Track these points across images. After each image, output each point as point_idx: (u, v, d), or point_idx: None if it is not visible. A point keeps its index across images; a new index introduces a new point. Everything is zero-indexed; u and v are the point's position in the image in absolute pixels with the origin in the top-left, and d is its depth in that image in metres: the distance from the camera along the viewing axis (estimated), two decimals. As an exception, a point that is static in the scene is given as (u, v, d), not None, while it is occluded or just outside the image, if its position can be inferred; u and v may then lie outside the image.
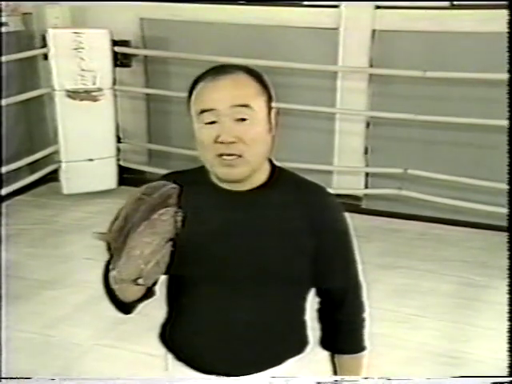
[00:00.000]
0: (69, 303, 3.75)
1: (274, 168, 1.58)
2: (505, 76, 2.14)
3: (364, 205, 5.50)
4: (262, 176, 1.54)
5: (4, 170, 5.02)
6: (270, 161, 1.59)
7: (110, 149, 5.56)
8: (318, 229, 1.52)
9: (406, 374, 3.13)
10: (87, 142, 5.34)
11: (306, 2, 5.27)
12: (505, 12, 2.11)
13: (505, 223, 2.24)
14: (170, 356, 1.66)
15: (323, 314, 1.67)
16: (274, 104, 1.54)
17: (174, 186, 1.34)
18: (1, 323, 3.01)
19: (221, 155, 1.46)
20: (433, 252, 4.60)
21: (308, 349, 1.66)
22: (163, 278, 1.55)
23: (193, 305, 1.57)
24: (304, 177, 1.63)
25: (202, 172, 1.56)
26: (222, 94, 1.46)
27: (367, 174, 5.47)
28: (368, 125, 5.33)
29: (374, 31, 5.06)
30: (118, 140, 5.64)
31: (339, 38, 5.13)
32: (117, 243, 1.30)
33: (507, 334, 1.99)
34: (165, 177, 1.61)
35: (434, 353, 3.38)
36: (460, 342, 3.50)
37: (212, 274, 1.52)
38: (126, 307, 1.52)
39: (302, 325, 1.65)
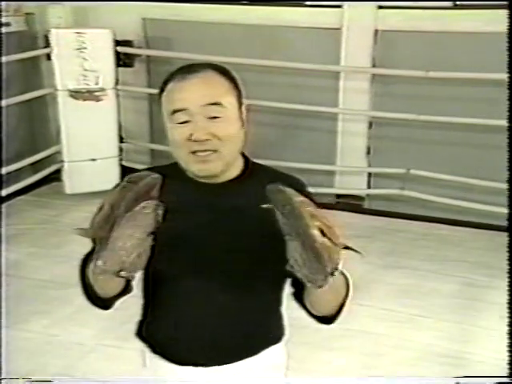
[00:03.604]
0: (71, 303, 3.74)
1: (247, 162, 1.61)
2: (507, 76, 2.14)
3: (366, 205, 5.49)
4: (236, 170, 1.58)
5: (6, 169, 5.02)
6: (244, 155, 1.61)
7: (113, 149, 5.56)
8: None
9: (408, 374, 3.13)
10: (90, 141, 5.34)
11: (308, 2, 5.27)
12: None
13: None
14: (147, 352, 1.66)
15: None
16: (244, 99, 1.56)
17: (156, 176, 1.35)
18: (1, 323, 3.02)
19: (195, 152, 1.49)
20: (435, 252, 4.60)
21: (284, 339, 1.69)
22: (139, 274, 1.57)
23: (170, 298, 1.59)
24: (278, 170, 1.65)
25: (176, 167, 1.58)
26: (192, 94, 1.48)
27: (370, 174, 5.47)
28: (370, 125, 5.33)
29: (376, 31, 5.06)
30: (121, 140, 5.65)
31: (342, 38, 5.12)
32: (103, 232, 1.31)
33: (507, 334, 1.99)
34: (139, 172, 1.64)
35: (437, 353, 3.38)
36: (462, 342, 3.50)
37: (189, 266, 1.54)
38: (104, 303, 1.55)
39: (279, 315, 1.67)
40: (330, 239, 1.28)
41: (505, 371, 2.08)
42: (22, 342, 3.33)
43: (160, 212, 1.32)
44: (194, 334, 1.58)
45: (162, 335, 1.63)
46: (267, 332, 1.65)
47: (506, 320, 2.16)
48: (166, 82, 1.54)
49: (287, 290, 1.62)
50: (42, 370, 3.09)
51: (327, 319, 1.55)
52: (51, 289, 3.92)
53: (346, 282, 1.51)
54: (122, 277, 1.34)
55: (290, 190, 1.31)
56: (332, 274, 1.29)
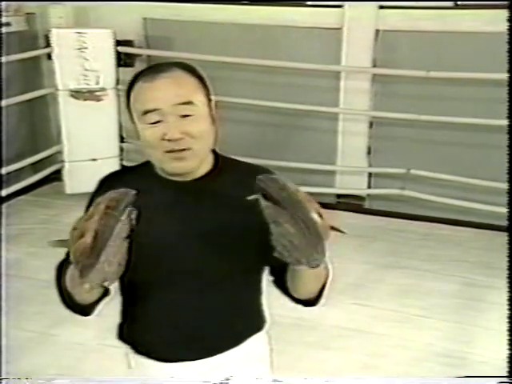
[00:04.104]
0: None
1: (217, 157, 1.62)
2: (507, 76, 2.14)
3: (367, 205, 5.49)
4: (207, 166, 1.58)
5: (7, 169, 5.02)
6: (214, 151, 1.62)
7: (113, 149, 5.57)
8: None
9: (408, 374, 3.13)
10: (90, 141, 5.34)
11: (309, 2, 5.27)
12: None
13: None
14: (131, 353, 1.67)
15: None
16: (212, 96, 1.57)
17: (134, 193, 1.34)
18: (1, 323, 3.02)
19: (169, 151, 1.49)
20: (436, 252, 4.60)
21: (266, 327, 1.71)
22: None
23: (148, 297, 1.60)
24: (250, 163, 1.67)
25: (146, 167, 1.59)
26: (163, 94, 1.48)
27: (370, 174, 5.46)
28: (371, 125, 5.33)
29: (377, 31, 5.06)
30: (122, 140, 5.65)
31: (342, 38, 5.12)
32: (89, 260, 1.29)
33: (507, 334, 1.99)
34: (111, 176, 1.66)
35: (438, 353, 3.38)
36: (463, 342, 3.50)
37: (165, 264, 1.55)
38: (83, 309, 1.55)
39: (259, 304, 1.69)
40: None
41: (505, 371, 2.08)
42: (22, 342, 3.33)
43: (133, 216, 1.32)
44: (175, 330, 1.59)
45: (143, 335, 1.64)
46: (248, 322, 1.67)
47: (506, 320, 2.15)
48: (132, 83, 1.54)
49: (266, 278, 1.65)
50: (42, 370, 3.10)
51: (310, 302, 1.58)
52: (51, 289, 3.89)
53: (326, 264, 1.51)
54: (105, 286, 1.36)
55: (281, 178, 1.32)
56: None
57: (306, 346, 3.29)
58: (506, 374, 2.04)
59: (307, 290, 1.54)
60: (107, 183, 1.61)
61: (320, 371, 3.12)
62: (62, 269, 1.55)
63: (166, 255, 1.54)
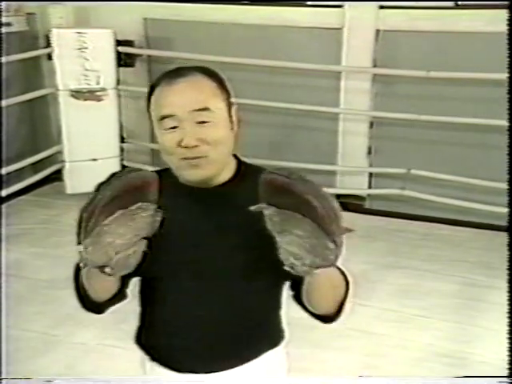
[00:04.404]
0: (72, 303, 3.73)
1: (240, 164, 1.59)
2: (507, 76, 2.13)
3: (367, 205, 5.49)
4: (228, 173, 1.55)
5: (7, 169, 5.03)
6: (236, 157, 1.60)
7: (114, 149, 5.57)
8: None
9: (408, 374, 3.13)
10: (91, 141, 5.34)
11: (309, 2, 5.27)
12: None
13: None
14: (146, 359, 1.66)
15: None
16: (233, 100, 1.54)
17: (153, 173, 1.31)
18: (1, 323, 3.02)
19: (185, 158, 1.47)
20: (436, 252, 4.60)
21: (284, 342, 1.68)
22: (136, 280, 1.57)
23: (166, 304, 1.58)
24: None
25: (169, 172, 1.55)
26: (180, 99, 1.46)
27: (371, 174, 5.46)
28: (371, 125, 5.33)
29: (377, 31, 5.06)
30: (122, 140, 5.65)
31: (343, 38, 5.12)
32: (86, 213, 1.29)
33: (508, 334, 1.99)
34: None
35: (438, 353, 3.38)
36: (463, 342, 3.50)
37: (184, 272, 1.52)
38: (97, 306, 1.56)
39: (277, 318, 1.66)
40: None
41: (505, 371, 2.08)
42: (23, 342, 3.34)
43: (158, 219, 1.30)
44: (191, 341, 1.57)
45: (159, 342, 1.63)
46: (266, 336, 1.64)
47: (507, 320, 2.15)
48: (153, 87, 1.52)
49: (286, 293, 1.61)
50: (42, 370, 3.09)
51: (328, 318, 1.53)
52: (51, 289, 3.92)
53: (346, 280, 1.50)
54: (106, 273, 1.31)
55: (283, 176, 1.26)
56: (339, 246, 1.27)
57: (306, 345, 3.28)
58: (506, 374, 2.04)
59: (322, 303, 1.50)
60: None
61: (320, 371, 3.12)
62: (79, 266, 1.52)
63: (185, 262, 1.52)
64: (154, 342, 1.64)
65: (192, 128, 1.45)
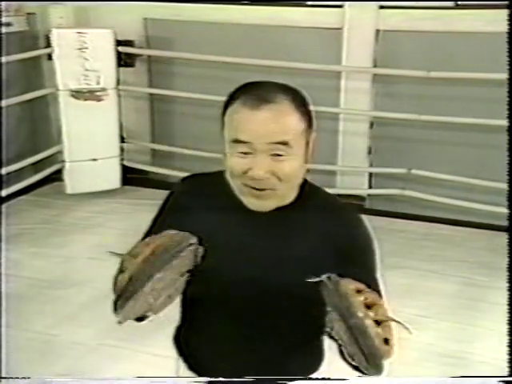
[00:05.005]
0: (72, 303, 3.75)
1: (303, 184, 1.49)
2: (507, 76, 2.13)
3: (367, 205, 5.49)
4: (290, 197, 1.47)
5: (7, 169, 5.02)
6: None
7: (114, 149, 5.57)
8: (345, 258, 1.45)
9: (408, 374, 3.13)
10: (91, 141, 5.34)
11: (309, 2, 5.27)
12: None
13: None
14: (180, 360, 1.63)
15: None
16: (314, 130, 1.45)
17: (192, 241, 1.26)
18: (0, 323, 3.02)
19: (251, 187, 1.39)
20: (436, 252, 4.60)
21: (322, 367, 1.65)
22: None
23: (203, 321, 1.53)
24: (333, 196, 1.56)
25: (223, 181, 1.46)
26: (260, 129, 1.35)
27: (371, 174, 5.47)
28: (372, 125, 5.33)
29: (377, 31, 5.06)
30: (122, 140, 5.65)
31: (343, 38, 5.13)
32: (123, 296, 1.23)
33: (507, 334, 1.99)
34: (184, 180, 1.57)
35: (437, 353, 3.38)
36: (464, 342, 3.50)
37: (225, 295, 1.47)
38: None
39: (318, 345, 1.63)
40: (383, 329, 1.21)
41: (505, 371, 2.08)
42: (23, 342, 3.33)
43: (200, 253, 1.27)
44: (222, 358, 1.53)
45: (195, 348, 1.59)
46: (303, 362, 1.60)
47: (506, 320, 2.15)
48: (232, 98, 1.41)
49: None
50: (42, 370, 3.09)
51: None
52: (51, 289, 3.92)
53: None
54: (147, 317, 1.28)
55: (344, 285, 1.22)
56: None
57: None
58: (506, 374, 2.04)
59: None
60: (174, 196, 1.55)
61: (320, 371, 3.12)
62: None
63: (227, 285, 1.45)
64: (191, 348, 1.60)
65: (264, 159, 1.36)
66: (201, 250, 1.27)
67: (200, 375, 1.57)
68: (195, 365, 1.60)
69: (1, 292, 3.40)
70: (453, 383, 2.07)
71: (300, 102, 1.42)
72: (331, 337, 1.36)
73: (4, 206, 4.99)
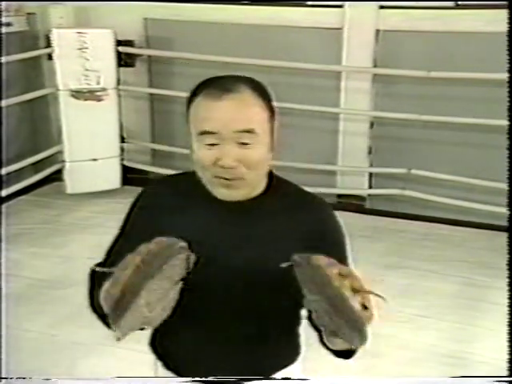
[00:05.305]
0: (72, 303, 3.74)
1: (271, 177, 1.53)
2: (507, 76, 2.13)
3: (368, 205, 5.49)
4: (259, 188, 1.50)
5: (8, 169, 5.02)
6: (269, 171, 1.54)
7: (114, 149, 5.57)
8: (316, 241, 1.45)
9: (408, 374, 3.13)
10: (91, 141, 5.35)
11: (309, 2, 5.27)
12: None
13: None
14: (159, 364, 1.64)
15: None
16: (276, 120, 1.47)
17: (181, 245, 1.25)
18: (1, 323, 3.02)
19: (220, 177, 1.41)
20: (436, 252, 4.60)
21: (299, 358, 1.66)
22: None
23: (188, 315, 1.52)
24: (302, 187, 1.59)
25: (194, 179, 1.48)
26: (224, 117, 1.38)
27: (371, 174, 5.47)
28: (372, 125, 5.33)
29: (377, 31, 5.06)
30: (122, 140, 5.65)
31: (343, 38, 5.13)
32: (117, 311, 1.23)
33: (507, 334, 1.99)
34: (155, 183, 1.60)
35: (438, 353, 3.38)
36: (464, 342, 3.50)
37: (209, 286, 1.47)
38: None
39: (295, 336, 1.64)
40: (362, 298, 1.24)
41: (505, 371, 2.08)
42: (22, 342, 3.33)
43: (192, 260, 1.26)
44: (215, 355, 1.53)
45: (171, 351, 1.60)
46: (281, 355, 1.61)
47: (507, 320, 2.15)
48: (195, 93, 1.44)
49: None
50: (42, 370, 3.09)
51: (344, 354, 1.40)
52: (51, 289, 3.92)
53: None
54: (143, 329, 1.28)
55: (316, 258, 1.23)
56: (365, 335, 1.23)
57: (306, 345, 3.28)
58: (505, 374, 2.04)
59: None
60: (146, 196, 1.57)
61: (320, 371, 3.12)
62: (95, 275, 1.44)
63: (204, 278, 1.43)
64: (167, 350, 1.61)
65: (232, 148, 1.39)
66: (193, 256, 1.27)
67: (180, 375, 1.58)
68: (176, 367, 1.60)
69: (1, 292, 3.40)
70: (453, 383, 2.07)
71: (261, 92, 1.44)
72: (311, 322, 1.37)
73: (4, 206, 5.00)
